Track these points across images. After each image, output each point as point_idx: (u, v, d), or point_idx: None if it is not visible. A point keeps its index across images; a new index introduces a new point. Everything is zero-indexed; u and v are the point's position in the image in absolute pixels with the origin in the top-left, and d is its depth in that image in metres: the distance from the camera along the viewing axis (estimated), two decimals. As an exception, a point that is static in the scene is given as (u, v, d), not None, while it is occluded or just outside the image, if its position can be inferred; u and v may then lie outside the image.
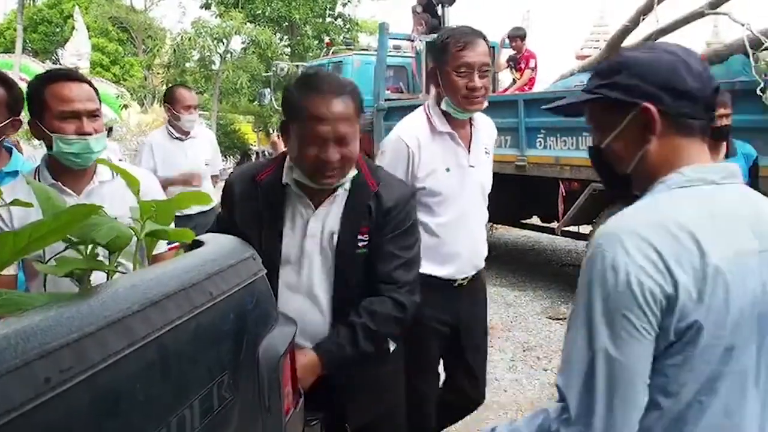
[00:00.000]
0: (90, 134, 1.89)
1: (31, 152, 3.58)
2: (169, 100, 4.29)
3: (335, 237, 1.81)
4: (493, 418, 3.81)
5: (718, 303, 1.01)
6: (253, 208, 1.81)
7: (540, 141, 6.07)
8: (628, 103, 1.12)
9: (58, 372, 0.79)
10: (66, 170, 1.94)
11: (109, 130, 14.46)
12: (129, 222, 1.37)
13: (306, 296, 1.83)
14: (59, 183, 1.92)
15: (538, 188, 6.47)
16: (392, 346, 1.99)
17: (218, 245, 1.41)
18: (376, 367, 1.95)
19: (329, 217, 1.83)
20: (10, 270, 1.83)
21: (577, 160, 5.62)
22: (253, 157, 24.83)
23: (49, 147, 1.92)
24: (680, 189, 1.09)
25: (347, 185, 1.82)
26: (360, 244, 1.83)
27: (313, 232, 1.83)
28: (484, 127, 2.54)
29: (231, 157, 23.61)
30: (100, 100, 2.01)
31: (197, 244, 1.47)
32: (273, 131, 21.42)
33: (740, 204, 1.11)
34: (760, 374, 1.08)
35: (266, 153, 23.54)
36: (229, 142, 22.79)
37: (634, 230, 1.03)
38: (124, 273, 1.36)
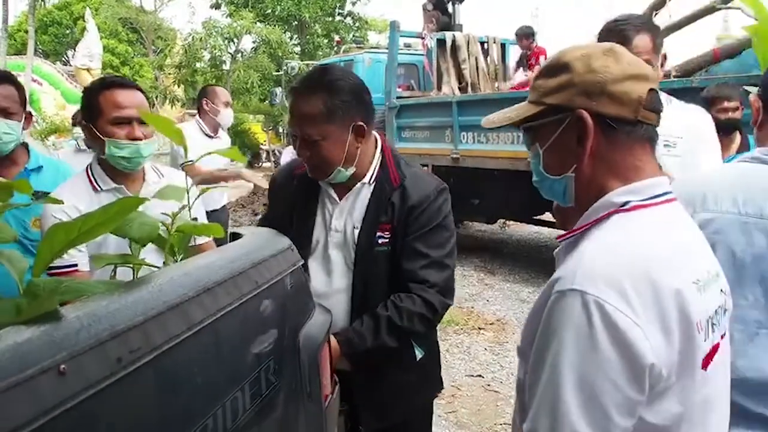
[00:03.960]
0: (140, 139, 1.97)
1: (44, 151, 3.68)
2: (209, 95, 4.41)
3: (356, 233, 1.80)
4: (510, 412, 3.85)
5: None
6: (288, 199, 1.87)
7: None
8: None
9: (128, 352, 0.83)
10: (121, 174, 2.03)
11: None
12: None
13: (328, 293, 1.83)
14: (122, 186, 2.02)
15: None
16: (419, 354, 1.90)
17: (257, 237, 1.45)
18: (399, 374, 1.88)
19: (353, 212, 1.83)
20: (86, 266, 1.92)
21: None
22: (263, 156, 24.92)
23: (102, 151, 2.00)
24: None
25: (366, 180, 1.82)
26: (380, 241, 1.80)
27: (336, 226, 1.84)
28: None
29: (241, 156, 23.63)
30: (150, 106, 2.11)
31: (235, 236, 1.51)
32: (282, 130, 21.47)
33: None
34: None
35: (276, 152, 23.67)
36: (240, 141, 22.86)
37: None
38: (156, 267, 1.41)
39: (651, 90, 1.01)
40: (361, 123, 1.75)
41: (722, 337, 1.04)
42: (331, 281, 1.84)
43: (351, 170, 1.79)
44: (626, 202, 1.00)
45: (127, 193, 2.00)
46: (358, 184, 1.83)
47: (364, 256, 1.80)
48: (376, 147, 1.87)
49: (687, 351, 0.91)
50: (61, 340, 0.77)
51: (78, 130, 4.62)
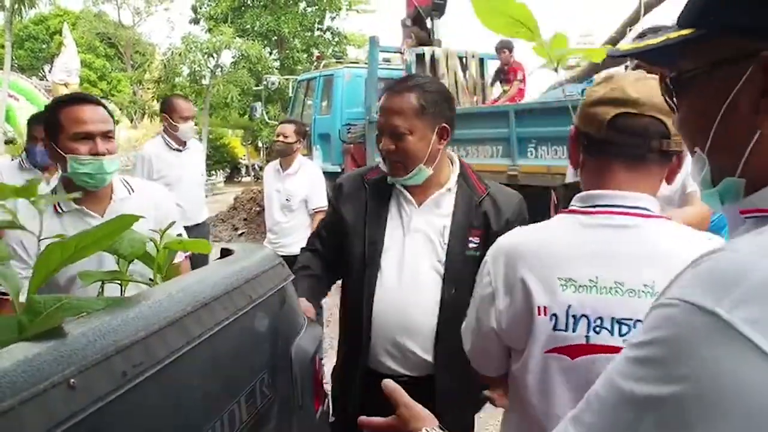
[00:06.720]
0: (103, 154, 1.92)
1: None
2: (167, 110, 4.28)
3: (446, 235, 1.86)
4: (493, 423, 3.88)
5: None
6: (361, 202, 1.92)
7: (531, 151, 6.17)
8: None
9: (132, 366, 0.86)
10: (85, 192, 1.93)
11: None
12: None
13: (409, 291, 1.84)
14: (83, 207, 1.95)
15: (530, 197, 6.55)
16: None
17: (248, 253, 1.48)
18: None
19: (436, 215, 1.89)
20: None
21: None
22: (243, 171, 24.88)
23: (65, 169, 1.94)
24: None
25: (451, 185, 1.90)
26: (470, 246, 1.86)
27: (418, 227, 1.88)
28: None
29: (221, 170, 23.64)
30: (114, 122, 2.06)
31: (225, 252, 1.54)
32: (262, 144, 21.45)
33: None
34: None
35: (255, 166, 23.69)
36: (219, 156, 22.82)
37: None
38: (146, 283, 1.43)
39: (617, 114, 1.15)
40: (446, 125, 1.86)
41: (609, 349, 1.10)
42: (414, 282, 1.85)
43: (429, 171, 1.86)
44: (572, 206, 1.23)
45: (89, 213, 1.94)
46: (443, 189, 1.90)
47: (455, 259, 1.85)
48: (452, 160, 1.97)
49: (529, 326, 1.16)
50: (69, 355, 0.80)
51: None
